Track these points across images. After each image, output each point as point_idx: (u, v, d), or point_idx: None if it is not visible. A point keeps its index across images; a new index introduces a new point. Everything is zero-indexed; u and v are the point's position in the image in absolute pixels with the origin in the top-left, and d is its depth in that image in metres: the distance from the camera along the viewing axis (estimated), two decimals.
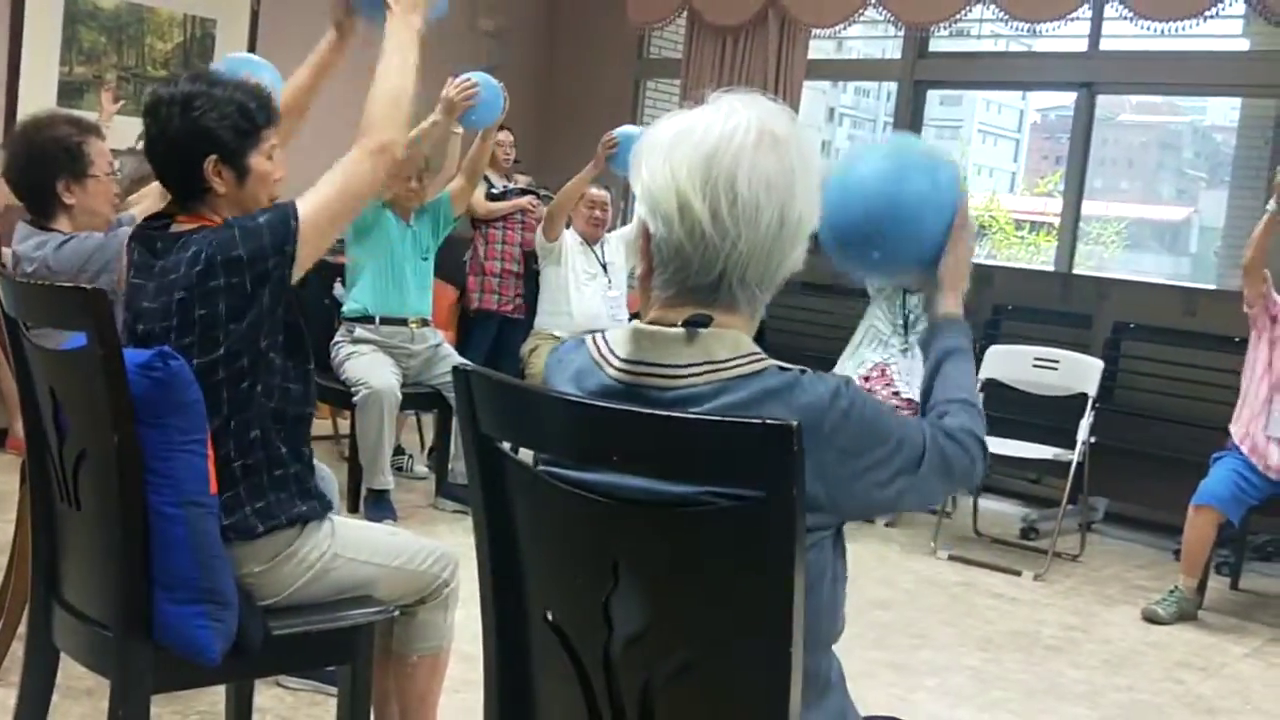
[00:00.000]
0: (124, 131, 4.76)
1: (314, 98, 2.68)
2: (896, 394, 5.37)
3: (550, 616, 1.39)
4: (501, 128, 6.40)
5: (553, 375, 1.50)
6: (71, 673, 2.73)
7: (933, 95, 7.34)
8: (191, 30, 6.53)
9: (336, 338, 4.83)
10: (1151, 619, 4.38)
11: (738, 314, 1.41)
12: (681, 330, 1.38)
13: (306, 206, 2.16)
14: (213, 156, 2.17)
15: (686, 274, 1.39)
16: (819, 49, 7.31)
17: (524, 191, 6.28)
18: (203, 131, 2.16)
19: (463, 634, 2.49)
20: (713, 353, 1.37)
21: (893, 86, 7.29)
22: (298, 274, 2.16)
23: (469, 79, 4.52)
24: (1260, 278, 4.48)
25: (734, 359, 1.37)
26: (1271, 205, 4.45)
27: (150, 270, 2.17)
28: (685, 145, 1.37)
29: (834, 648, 1.49)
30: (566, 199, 5.37)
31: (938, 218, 1.68)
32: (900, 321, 5.60)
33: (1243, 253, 4.56)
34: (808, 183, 1.40)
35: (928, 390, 1.67)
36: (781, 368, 1.38)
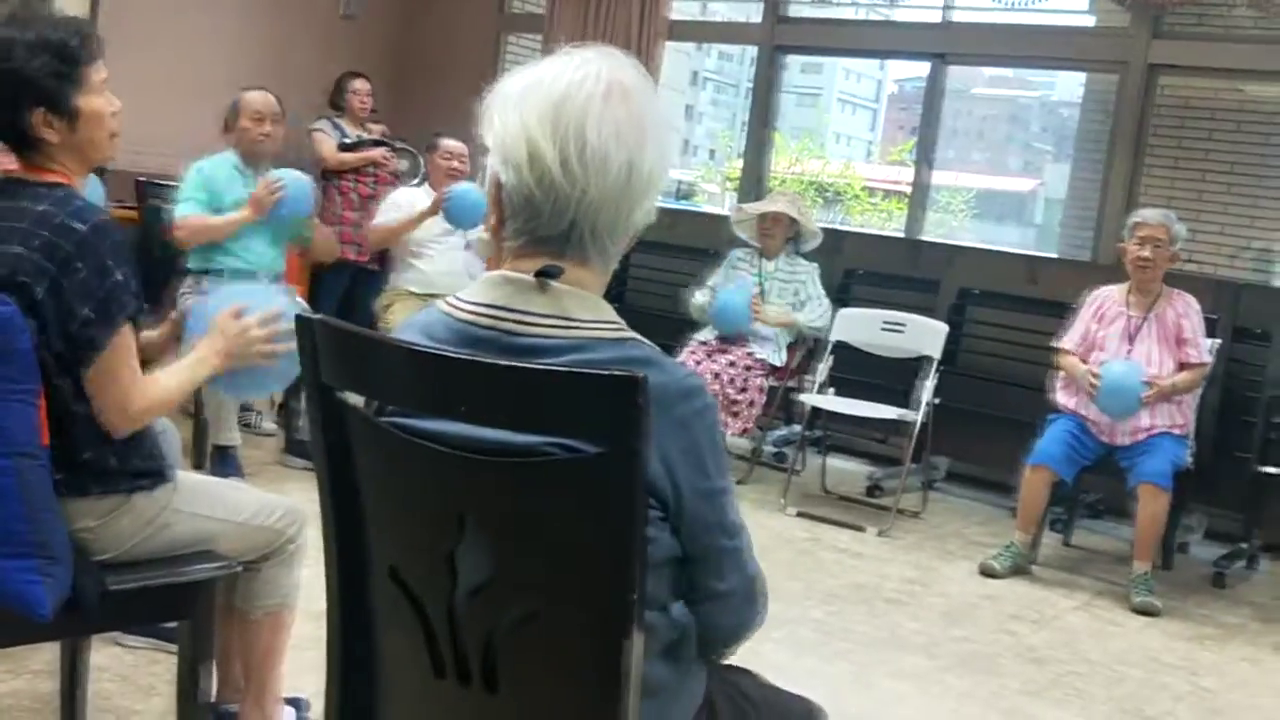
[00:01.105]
0: None
1: None
2: (750, 354, 5.45)
3: (394, 569, 1.39)
4: (358, 76, 6.29)
5: (401, 333, 1.48)
6: None
7: (793, 62, 7.44)
8: None
9: (183, 289, 4.66)
10: (987, 573, 4.55)
11: (589, 267, 1.41)
12: (533, 279, 1.37)
13: (107, 357, 2.04)
14: (39, 109, 2.05)
15: (537, 224, 1.39)
16: (682, 10, 7.33)
17: (377, 143, 6.18)
18: (23, 83, 2.03)
19: (310, 592, 2.44)
20: (568, 309, 1.37)
21: (754, 51, 7.35)
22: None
23: (276, 178, 4.52)
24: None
25: (595, 321, 1.37)
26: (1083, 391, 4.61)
27: None
28: (535, 94, 1.37)
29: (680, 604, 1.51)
30: (385, 237, 5.36)
31: None
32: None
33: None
34: (657, 135, 1.40)
35: None
36: (643, 342, 1.39)
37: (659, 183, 1.43)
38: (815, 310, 5.61)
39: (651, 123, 1.40)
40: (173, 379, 2.24)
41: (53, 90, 2.06)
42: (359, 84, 6.22)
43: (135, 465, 2.14)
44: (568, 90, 1.36)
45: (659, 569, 1.37)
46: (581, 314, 1.37)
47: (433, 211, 5.15)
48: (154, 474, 2.18)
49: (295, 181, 4.62)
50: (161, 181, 5.15)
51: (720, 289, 5.58)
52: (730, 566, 1.46)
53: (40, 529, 1.95)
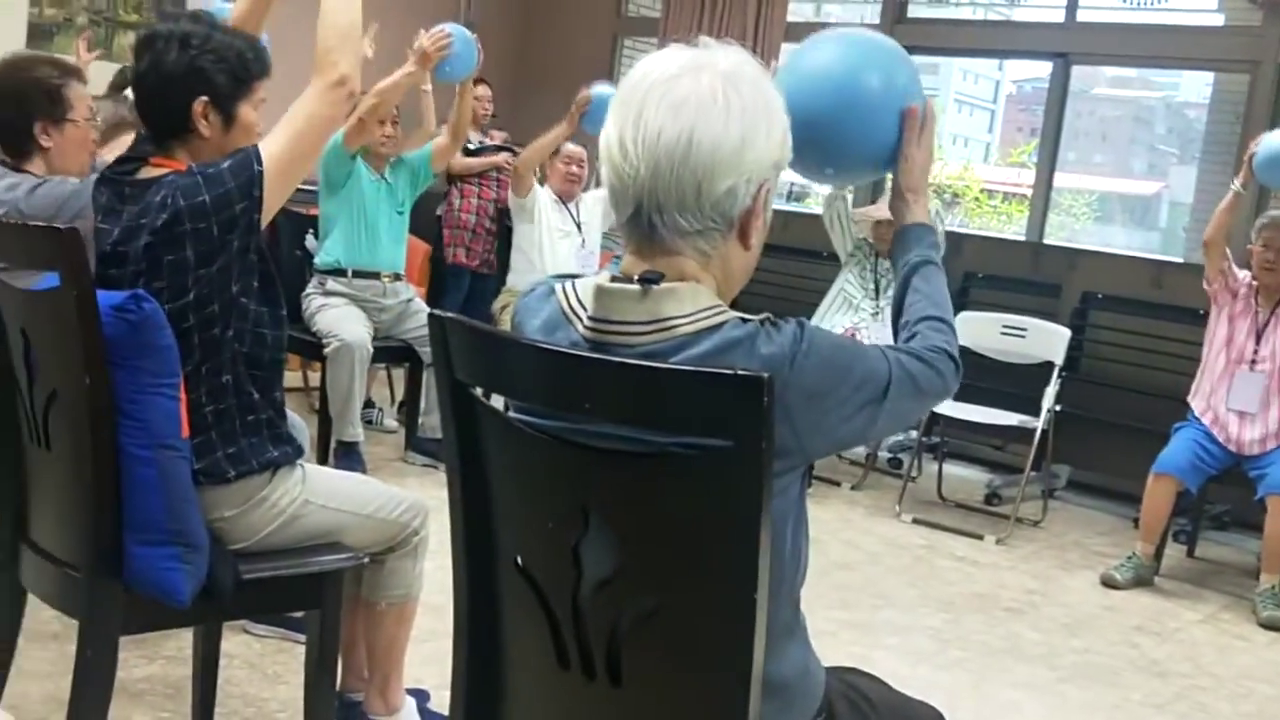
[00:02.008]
0: (97, 78, 4.71)
1: (259, 26, 2.58)
2: None
3: (520, 561, 1.41)
4: (479, 82, 6.39)
5: (523, 322, 1.51)
6: (38, 618, 2.75)
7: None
8: None
9: (308, 289, 4.81)
10: (1109, 584, 4.46)
11: (683, 257, 1.40)
12: (635, 287, 1.38)
13: (269, 149, 2.13)
14: (203, 98, 2.16)
15: (621, 213, 1.41)
16: (797, 11, 7.31)
17: (499, 148, 6.27)
18: (198, 71, 2.15)
19: (430, 585, 2.52)
20: (662, 310, 1.37)
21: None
22: (266, 216, 2.15)
23: (443, 30, 4.51)
24: (1220, 254, 4.54)
25: (692, 314, 1.37)
26: (1236, 184, 4.50)
27: (118, 215, 2.16)
28: (619, 88, 1.40)
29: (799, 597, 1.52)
30: (535, 155, 5.36)
31: (890, 111, 1.63)
32: (871, 286, 5.63)
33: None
34: (736, 107, 1.35)
35: (898, 308, 1.66)
36: (743, 319, 1.37)
37: (748, 159, 1.35)
38: None
39: (728, 96, 1.35)
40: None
41: (222, 87, 2.17)
42: (480, 90, 6.30)
43: (269, 445, 2.22)
44: (640, 78, 1.38)
45: (779, 541, 1.37)
46: (676, 310, 1.37)
47: (570, 126, 5.23)
48: (286, 452, 2.25)
49: (463, 40, 4.63)
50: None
51: None
52: (900, 415, 1.49)
53: (180, 518, 2.03)
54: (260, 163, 2.11)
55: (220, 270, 2.10)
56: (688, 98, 1.34)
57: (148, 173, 2.18)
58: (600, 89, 5.23)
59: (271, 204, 2.14)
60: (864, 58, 1.66)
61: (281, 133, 2.17)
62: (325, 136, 2.27)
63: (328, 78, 2.19)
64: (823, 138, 1.62)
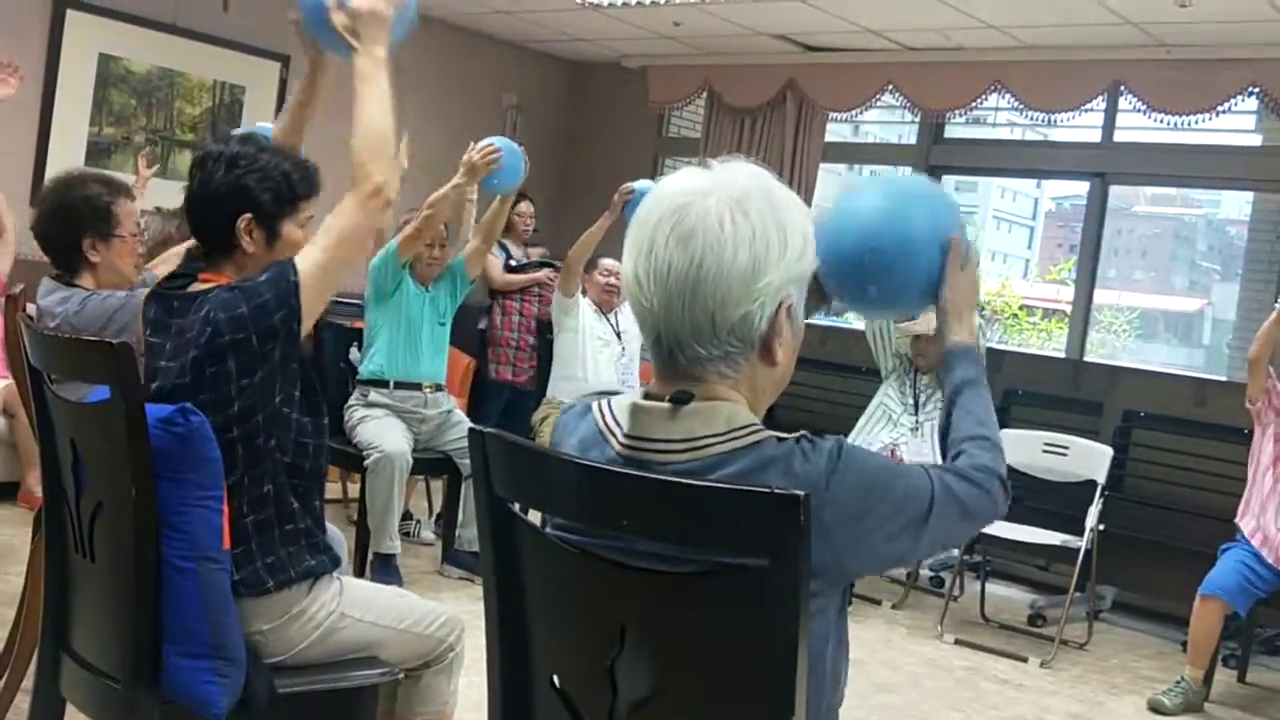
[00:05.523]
0: (152, 194, 4.85)
1: (300, 138, 2.60)
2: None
3: (556, 680, 1.41)
4: (522, 198, 6.51)
5: (561, 440, 1.52)
6: None
7: (947, 180, 7.44)
8: (220, 96, 6.66)
9: (351, 401, 4.86)
10: (1157, 709, 4.35)
11: (708, 383, 1.41)
12: (667, 405, 1.40)
13: (305, 260, 2.18)
14: (247, 215, 2.22)
15: (646, 338, 1.43)
16: (835, 132, 7.42)
17: (541, 264, 6.37)
18: (243, 190, 2.21)
19: (464, 702, 2.50)
20: (695, 430, 1.38)
21: (907, 170, 7.38)
22: (306, 324, 2.18)
23: (491, 143, 4.60)
24: (1264, 373, 4.51)
25: (725, 433, 1.38)
26: None
27: (167, 329, 2.21)
28: (636, 215, 1.42)
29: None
30: (581, 250, 5.41)
31: (932, 248, 1.66)
32: (910, 401, 5.62)
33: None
34: (744, 234, 1.35)
35: (945, 428, 1.65)
36: (779, 437, 1.38)
37: (760, 284, 1.35)
38: None
39: (735, 221, 1.35)
40: (370, 106, 2.26)
41: (268, 206, 2.23)
42: (523, 206, 6.44)
43: (306, 555, 2.23)
44: (654, 205, 1.39)
45: (818, 662, 1.36)
46: (710, 430, 1.38)
47: (613, 216, 5.27)
48: (323, 561, 2.26)
49: (511, 152, 4.67)
50: (339, 299, 5.37)
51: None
52: (945, 536, 1.49)
53: (219, 631, 2.03)
54: (296, 273, 2.16)
55: (263, 380, 2.14)
56: (695, 228, 1.35)
57: (195, 288, 2.24)
58: (643, 183, 5.29)
59: (310, 312, 2.18)
60: (909, 196, 1.73)
61: (318, 243, 2.22)
62: (362, 246, 2.32)
63: (364, 189, 2.23)
64: (873, 274, 1.66)
